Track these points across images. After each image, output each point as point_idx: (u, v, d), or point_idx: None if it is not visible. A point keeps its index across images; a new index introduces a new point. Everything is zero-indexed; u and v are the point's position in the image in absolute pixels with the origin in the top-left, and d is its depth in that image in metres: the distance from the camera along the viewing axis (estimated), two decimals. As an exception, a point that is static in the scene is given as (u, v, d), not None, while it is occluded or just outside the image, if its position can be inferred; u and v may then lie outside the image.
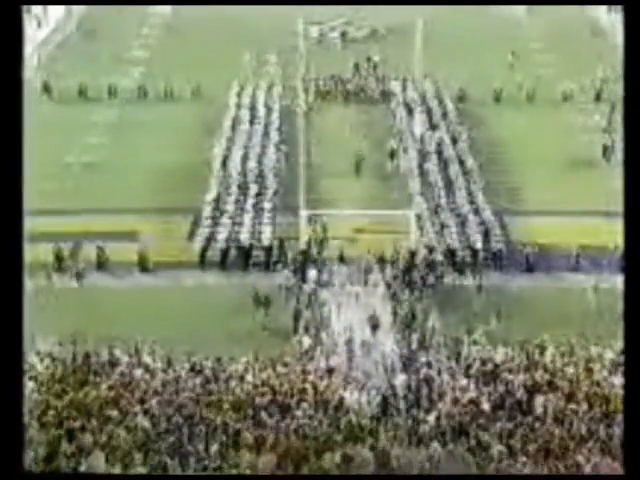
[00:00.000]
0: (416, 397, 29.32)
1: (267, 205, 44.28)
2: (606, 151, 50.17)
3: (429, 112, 55.25)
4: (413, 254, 39.56)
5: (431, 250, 40.13)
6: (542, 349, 32.22)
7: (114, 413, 27.20)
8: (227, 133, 52.82)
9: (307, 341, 33.82)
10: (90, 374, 30.38)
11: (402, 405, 28.93)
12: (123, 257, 40.33)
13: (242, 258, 40.74)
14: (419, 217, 42.62)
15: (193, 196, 45.60)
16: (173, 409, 27.72)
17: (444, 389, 29.43)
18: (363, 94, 60.43)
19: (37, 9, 74.61)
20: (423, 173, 47.57)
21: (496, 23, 74.70)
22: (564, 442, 25.91)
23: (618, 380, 28.49)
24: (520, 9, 77.27)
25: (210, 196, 44.98)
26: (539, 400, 28.35)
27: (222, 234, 41.62)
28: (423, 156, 49.17)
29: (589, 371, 30.32)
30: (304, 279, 38.46)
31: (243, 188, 46.04)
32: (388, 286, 37.80)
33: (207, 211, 43.72)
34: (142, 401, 28.23)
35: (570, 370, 30.36)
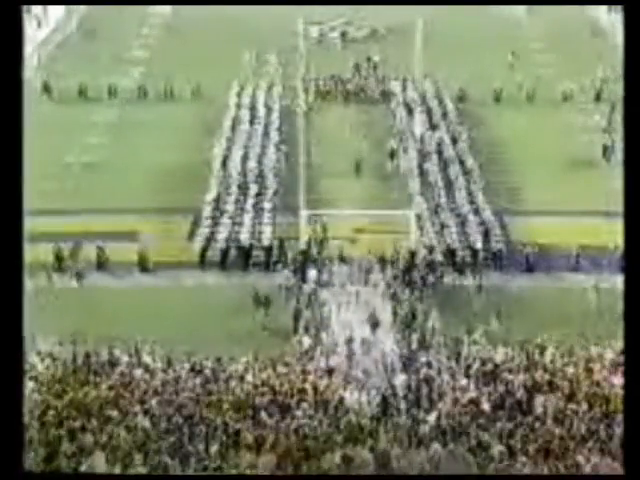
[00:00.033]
0: (416, 397, 29.32)
1: (267, 205, 44.29)
2: (606, 151, 50.19)
3: (429, 112, 55.28)
4: (413, 254, 39.58)
5: (431, 250, 40.15)
6: (542, 349, 32.21)
7: (114, 413, 27.17)
8: (227, 133, 52.84)
9: (307, 341, 33.84)
10: (90, 374, 30.39)
11: (402, 405, 28.93)
12: (123, 257, 40.37)
13: (242, 258, 40.75)
14: (419, 217, 42.63)
15: (193, 196, 45.62)
16: (173, 409, 27.69)
17: (444, 389, 29.42)
18: (363, 94, 60.45)
19: (37, 9, 74.66)
20: (423, 173, 47.59)
21: (496, 23, 74.73)
22: (564, 442, 25.87)
23: (618, 380, 28.46)
24: (520, 9, 77.28)
25: (210, 196, 45.00)
26: (539, 400, 28.33)
27: (222, 234, 41.64)
28: (423, 156, 49.18)
29: (589, 371, 30.30)
30: (304, 279, 38.48)
31: (243, 188, 46.06)
32: (388, 286, 37.83)
33: (207, 211, 43.74)
34: (142, 401, 28.21)
35: (570, 370, 30.34)
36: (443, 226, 42.25)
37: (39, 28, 73.85)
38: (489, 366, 30.91)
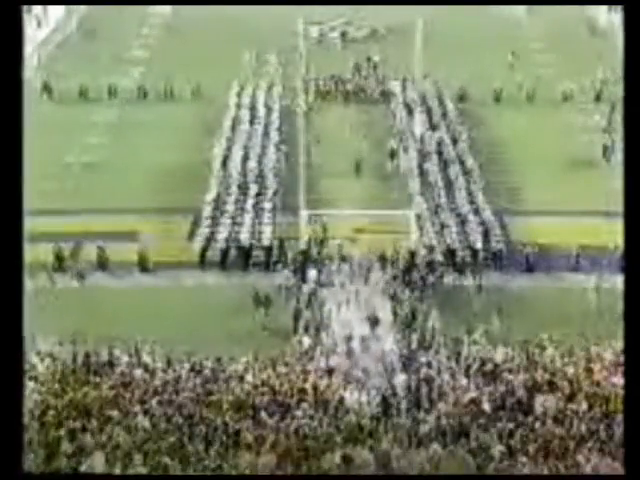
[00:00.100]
0: (416, 397, 29.30)
1: (267, 205, 44.28)
2: (606, 151, 50.18)
3: (429, 112, 55.26)
4: (413, 254, 39.56)
5: (431, 250, 40.14)
6: (542, 349, 32.20)
7: (114, 413, 27.19)
8: (227, 133, 52.82)
9: (307, 341, 33.82)
10: (90, 374, 30.37)
11: (402, 405, 28.91)
12: (123, 257, 40.35)
13: (242, 258, 40.74)
14: (419, 217, 42.63)
15: (193, 196, 45.61)
16: (173, 409, 27.71)
17: (444, 389, 29.41)
18: (363, 94, 60.44)
19: (37, 9, 74.66)
20: (423, 173, 47.57)
21: (496, 23, 74.72)
22: (564, 442, 25.90)
23: (618, 380, 28.46)
24: (520, 9, 77.28)
25: (210, 196, 44.99)
26: (539, 400, 28.35)
27: (222, 234, 41.63)
28: (423, 156, 49.16)
29: (589, 371, 30.30)
30: (304, 279, 38.46)
31: (243, 188, 46.05)
32: (388, 286, 37.80)
33: (207, 211, 43.72)
34: (142, 401, 28.21)
35: (570, 370, 30.33)
36: (443, 226, 42.23)
37: (39, 28, 73.84)
38: (489, 366, 30.90)
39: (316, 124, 54.60)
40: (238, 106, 56.88)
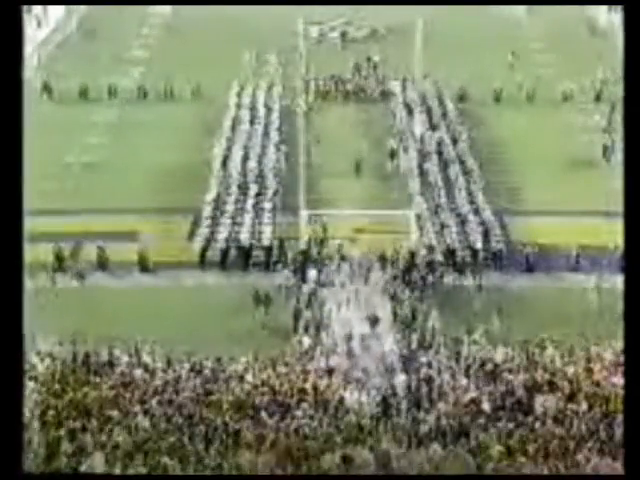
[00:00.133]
0: (416, 397, 29.31)
1: (267, 205, 44.28)
2: (606, 151, 50.18)
3: (429, 112, 55.27)
4: (413, 254, 39.55)
5: (431, 250, 40.13)
6: (542, 349, 32.20)
7: (114, 413, 27.20)
8: (227, 133, 52.82)
9: (307, 341, 33.82)
10: (90, 374, 30.38)
11: (402, 405, 28.91)
12: (123, 257, 40.34)
13: (242, 258, 40.74)
14: (419, 217, 42.64)
15: (193, 196, 45.61)
16: (173, 409, 27.72)
17: (444, 389, 29.42)
18: (363, 94, 60.46)
19: (37, 9, 74.63)
20: (423, 173, 47.57)
21: (496, 23, 74.71)
22: (564, 442, 25.91)
23: (618, 380, 28.47)
24: (520, 9, 77.27)
25: (210, 196, 44.99)
26: (539, 400, 28.35)
27: (222, 234, 41.62)
28: (423, 156, 49.17)
29: (589, 371, 30.31)
30: (304, 279, 38.46)
31: (243, 188, 46.04)
32: (388, 286, 37.80)
33: (207, 211, 43.72)
34: (142, 401, 28.23)
35: (570, 370, 30.35)
36: (443, 226, 42.23)
37: (39, 28, 73.82)
38: (489, 366, 30.91)
39: (316, 124, 54.60)
40: (238, 106, 56.88)
